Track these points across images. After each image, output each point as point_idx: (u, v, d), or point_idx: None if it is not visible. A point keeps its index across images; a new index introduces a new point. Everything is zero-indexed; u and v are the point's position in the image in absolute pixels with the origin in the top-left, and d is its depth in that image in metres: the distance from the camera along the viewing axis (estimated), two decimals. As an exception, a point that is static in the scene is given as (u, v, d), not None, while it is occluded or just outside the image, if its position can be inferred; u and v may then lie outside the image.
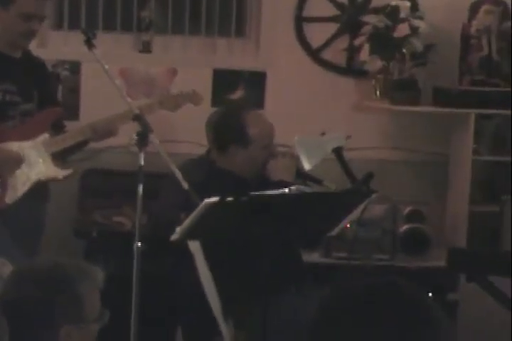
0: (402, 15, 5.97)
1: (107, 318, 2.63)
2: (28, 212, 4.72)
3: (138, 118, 4.45)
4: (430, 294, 4.43)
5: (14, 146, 4.68)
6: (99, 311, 2.59)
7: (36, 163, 4.73)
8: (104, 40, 5.34)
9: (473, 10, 6.07)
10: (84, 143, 4.89)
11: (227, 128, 4.70)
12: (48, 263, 2.69)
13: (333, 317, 1.59)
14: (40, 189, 4.78)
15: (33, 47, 5.26)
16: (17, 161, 4.66)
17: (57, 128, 4.88)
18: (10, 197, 4.66)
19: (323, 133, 4.26)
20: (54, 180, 4.83)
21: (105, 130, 4.81)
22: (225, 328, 4.51)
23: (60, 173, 4.81)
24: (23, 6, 4.66)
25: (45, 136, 4.78)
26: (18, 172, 4.66)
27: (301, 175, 4.48)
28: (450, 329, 1.59)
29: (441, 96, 6.02)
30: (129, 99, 4.61)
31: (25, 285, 2.55)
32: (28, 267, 2.68)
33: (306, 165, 4.36)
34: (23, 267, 2.68)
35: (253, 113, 4.89)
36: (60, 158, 4.83)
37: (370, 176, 4.24)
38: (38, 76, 4.92)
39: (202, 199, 3.54)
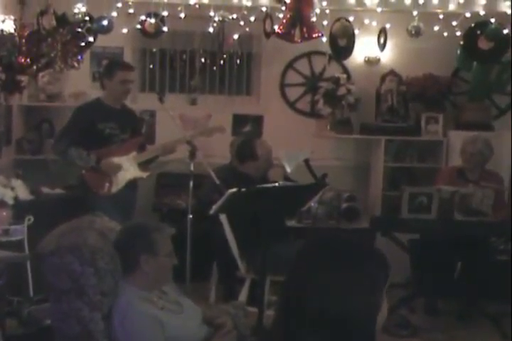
0: (342, 82, 5.93)
1: (174, 259, 2.64)
2: (125, 197, 4.68)
3: (189, 142, 4.44)
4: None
5: (116, 160, 4.65)
6: (168, 251, 2.62)
7: (129, 168, 4.69)
8: (169, 98, 5.29)
9: (383, 79, 6.04)
10: (157, 157, 4.87)
11: (245, 149, 4.67)
12: (137, 223, 2.83)
13: (307, 256, 1.55)
14: (132, 184, 4.75)
15: (129, 102, 5.23)
16: (118, 167, 4.64)
17: (141, 149, 4.85)
18: (114, 189, 4.63)
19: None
20: (139, 178, 4.80)
21: (169, 149, 4.78)
22: (241, 264, 4.48)
23: (143, 174, 4.78)
24: (121, 76, 4.63)
25: (134, 153, 4.76)
26: (118, 174, 4.64)
27: (286, 178, 4.47)
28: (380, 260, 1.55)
29: (365, 129, 5.99)
30: (184, 132, 4.59)
31: (124, 235, 2.64)
32: (127, 225, 2.75)
33: (288, 169, 4.32)
34: (124, 226, 2.73)
35: (260, 140, 4.85)
36: (143, 165, 4.80)
37: (325, 175, 4.18)
38: (130, 119, 4.89)
39: (227, 190, 3.50)
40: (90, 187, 4.62)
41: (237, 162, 4.71)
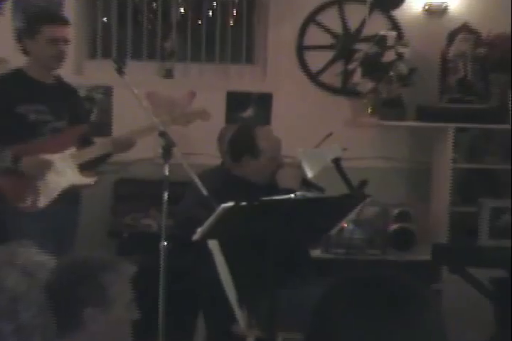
0: (389, 43, 5.95)
1: (135, 312, 2.63)
2: (60, 214, 4.69)
3: (163, 134, 4.45)
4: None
5: (45, 158, 4.68)
6: (126, 301, 2.61)
7: (65, 172, 4.73)
8: (132, 67, 5.30)
9: (451, 38, 6.05)
10: (108, 155, 4.90)
11: (241, 142, 4.68)
12: (82, 257, 2.77)
13: (335, 304, 1.57)
14: (72, 195, 4.79)
15: (70, 73, 5.26)
16: (46, 168, 4.66)
17: (86, 144, 4.88)
18: (42, 202, 4.65)
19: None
20: (81, 187, 4.83)
21: (123, 144, 4.82)
22: (240, 314, 4.50)
23: (87, 181, 4.81)
24: (48, 33, 4.67)
25: (73, 149, 4.78)
26: (48, 180, 4.67)
27: (305, 184, 4.47)
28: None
29: (424, 112, 5.99)
30: (154, 117, 4.61)
31: (59, 276, 2.59)
32: (65, 260, 2.72)
33: (309, 174, 4.34)
34: (61, 262, 2.71)
35: (262, 128, 4.86)
36: (88, 168, 4.83)
37: (364, 183, 4.24)
38: (69, 99, 4.92)
39: (219, 204, 3.51)
40: (5, 198, 4.65)
41: (231, 161, 4.72)
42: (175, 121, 4.91)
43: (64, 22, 4.79)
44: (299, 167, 4.39)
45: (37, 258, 2.74)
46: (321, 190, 4.47)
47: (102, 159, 4.90)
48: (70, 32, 4.90)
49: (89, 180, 4.82)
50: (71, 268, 2.64)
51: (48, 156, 4.67)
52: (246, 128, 4.82)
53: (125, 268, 2.65)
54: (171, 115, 5.09)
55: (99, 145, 4.89)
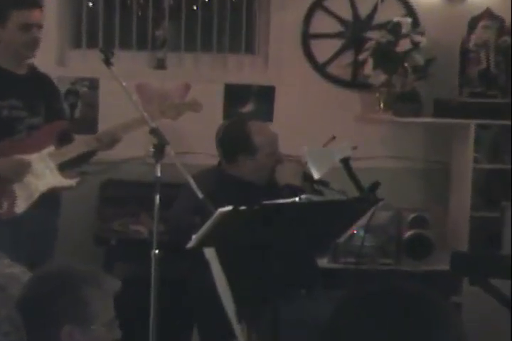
0: (404, 31, 5.93)
1: (117, 330, 2.61)
2: (38, 220, 4.68)
3: (154, 131, 4.41)
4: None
5: (22, 158, 4.66)
6: (107, 318, 2.60)
7: (43, 173, 4.69)
8: (120, 57, 5.32)
9: (472, 25, 6.01)
10: (92, 153, 4.86)
11: (234, 140, 4.68)
12: (60, 268, 2.76)
13: (349, 319, 1.58)
14: (50, 199, 4.75)
15: (52, 64, 5.24)
16: (25, 167, 4.64)
17: (65, 141, 4.84)
18: (19, 207, 4.64)
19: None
20: (62, 189, 4.80)
21: (109, 139, 4.79)
22: (238, 330, 4.49)
23: (68, 183, 4.78)
24: (19, 18, 4.66)
25: (51, 148, 4.76)
26: (26, 182, 4.65)
27: (308, 179, 4.45)
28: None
29: (442, 108, 5.95)
30: (145, 113, 4.60)
31: (34, 290, 2.57)
32: (42, 271, 2.70)
33: (315, 174, 4.33)
34: (39, 271, 2.69)
35: (255, 123, 4.84)
36: (69, 168, 4.81)
37: (376, 185, 4.20)
38: (45, 91, 4.89)
39: (216, 207, 3.51)
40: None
41: (226, 161, 4.71)
42: (164, 113, 4.88)
43: (36, 5, 4.74)
44: (303, 165, 4.39)
45: (9, 270, 2.73)
46: (326, 185, 4.45)
47: (84, 158, 4.85)
48: (44, 16, 4.84)
49: (70, 182, 4.78)
50: (47, 281, 2.61)
51: (25, 156, 4.65)
52: (237, 124, 4.81)
53: (109, 282, 2.63)
54: (159, 107, 5.08)
55: (81, 142, 4.84)
